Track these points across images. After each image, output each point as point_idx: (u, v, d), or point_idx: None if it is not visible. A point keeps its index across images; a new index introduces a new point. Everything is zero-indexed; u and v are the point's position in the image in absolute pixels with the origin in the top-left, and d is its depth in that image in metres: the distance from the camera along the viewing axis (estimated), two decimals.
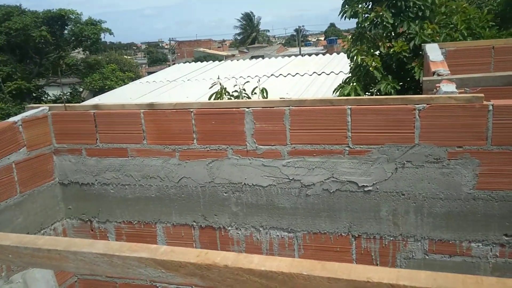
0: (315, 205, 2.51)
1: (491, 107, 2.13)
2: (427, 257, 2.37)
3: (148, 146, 2.74)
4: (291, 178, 2.53)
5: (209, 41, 61.48)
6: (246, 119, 2.54)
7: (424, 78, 2.60)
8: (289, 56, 14.41)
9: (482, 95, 2.14)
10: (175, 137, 2.69)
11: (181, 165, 2.69)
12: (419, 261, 2.37)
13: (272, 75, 10.04)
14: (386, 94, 5.55)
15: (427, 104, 2.22)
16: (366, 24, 5.78)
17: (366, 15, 5.77)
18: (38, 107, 2.87)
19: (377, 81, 5.65)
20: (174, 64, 28.91)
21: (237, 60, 14.22)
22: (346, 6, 6.06)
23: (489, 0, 8.38)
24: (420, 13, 5.66)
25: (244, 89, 5.36)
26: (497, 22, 6.26)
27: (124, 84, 18.32)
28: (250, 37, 60.07)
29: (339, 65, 10.08)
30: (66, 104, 2.85)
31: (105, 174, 2.84)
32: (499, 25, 6.19)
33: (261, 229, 2.62)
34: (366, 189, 2.41)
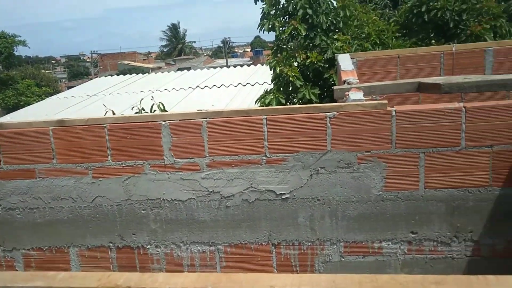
0: (235, 216, 2.51)
1: (394, 113, 2.27)
2: (343, 259, 2.46)
3: (58, 166, 2.58)
4: (210, 191, 2.51)
5: (134, 53, 59.96)
6: (162, 133, 2.49)
7: (335, 87, 2.72)
8: (215, 67, 14.45)
9: (386, 101, 2.28)
10: (88, 154, 2.56)
11: (95, 183, 2.57)
12: (336, 263, 2.45)
13: (197, 87, 10.00)
14: (308, 100, 5.76)
15: (337, 112, 2.31)
16: (283, 37, 5.98)
17: (283, 28, 5.97)
18: None
19: (298, 89, 5.84)
20: (96, 77, 27.79)
21: (162, 73, 14.00)
22: (264, 20, 6.22)
23: (394, 12, 9.04)
24: (332, 27, 5.96)
25: (143, 108, 5.33)
26: (403, 32, 6.75)
27: (41, 100, 17.27)
28: (176, 49, 59.48)
29: (263, 76, 10.27)
30: None
31: (10, 198, 2.64)
32: (404, 35, 6.68)
33: (181, 245, 2.56)
34: (283, 196, 2.46)
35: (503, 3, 8.55)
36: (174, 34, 61.02)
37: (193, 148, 2.48)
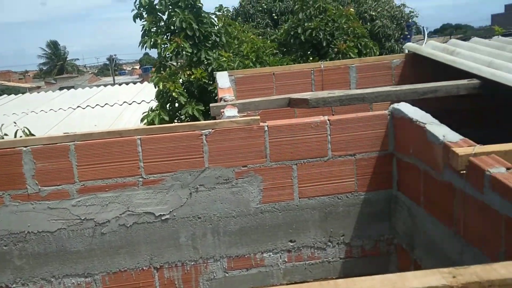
0: (112, 243, 2.37)
1: (266, 128, 2.35)
2: (227, 274, 2.46)
3: None
4: (83, 218, 2.34)
5: (8, 72, 54.58)
6: (24, 160, 2.27)
7: (211, 105, 2.75)
8: (99, 86, 13.77)
9: (258, 117, 2.35)
10: None
11: None
12: (220, 280, 2.44)
13: (78, 106, 9.41)
14: (193, 117, 5.74)
15: (212, 129, 2.33)
16: (166, 54, 5.92)
17: (165, 46, 5.91)
18: None
19: (182, 106, 5.81)
20: None
21: (38, 93, 12.93)
22: (146, 37, 6.10)
23: (274, 31, 9.53)
24: (216, 42, 6.06)
25: (6, 134, 4.89)
26: (283, 50, 7.13)
27: None
28: (57, 67, 55.57)
29: (151, 93, 10.03)
30: None
31: None
32: (283, 52, 7.06)
33: (53, 279, 2.34)
34: (163, 218, 2.39)
35: (368, 24, 9.53)
36: (54, 52, 57.00)
37: (60, 174, 2.30)
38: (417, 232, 2.23)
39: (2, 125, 5.04)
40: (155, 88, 6.11)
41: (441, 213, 1.95)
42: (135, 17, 6.19)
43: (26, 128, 4.94)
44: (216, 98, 5.89)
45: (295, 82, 3.84)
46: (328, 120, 2.37)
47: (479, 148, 1.64)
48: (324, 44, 6.49)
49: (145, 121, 5.78)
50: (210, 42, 6.00)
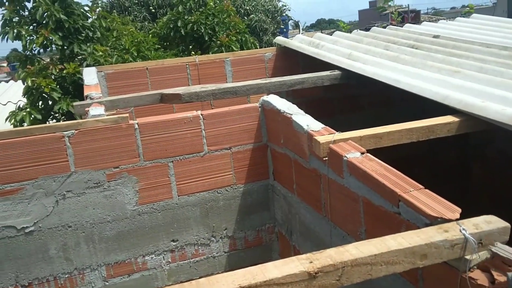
0: None
1: (136, 126, 2.24)
2: (107, 283, 2.32)
3: None
4: None
5: None
6: None
7: (75, 104, 2.55)
8: None
9: (126, 115, 2.23)
10: None
11: None
12: None
13: None
14: (68, 113, 5.31)
15: (76, 130, 2.15)
16: (33, 47, 5.37)
17: (31, 38, 5.35)
18: None
19: (56, 101, 5.33)
20: None
21: None
22: (7, 28, 5.46)
23: (153, 25, 9.25)
24: (90, 35, 5.66)
25: None
26: (163, 44, 6.92)
27: None
28: None
29: (19, 93, 9.06)
30: None
31: None
32: (165, 47, 6.87)
33: None
34: (27, 230, 2.16)
35: (245, 18, 9.73)
36: None
37: None
38: (294, 219, 2.32)
39: None
40: (23, 84, 5.52)
41: (311, 199, 2.06)
42: None
43: None
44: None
45: (171, 77, 3.74)
46: (201, 114, 2.34)
47: (338, 135, 1.75)
48: (206, 38, 6.44)
49: (13, 120, 5.19)
50: (83, 35, 5.57)
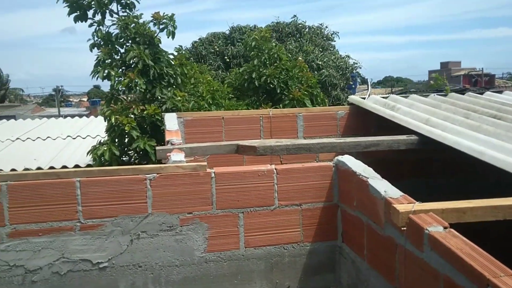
0: None
1: (213, 174, 2.32)
2: None
3: None
4: (12, 264, 2.17)
5: None
6: None
7: (158, 148, 2.70)
8: (42, 117, 13.20)
9: (205, 163, 2.33)
10: None
11: None
12: None
13: (17, 138, 8.92)
14: (144, 151, 5.59)
15: (157, 174, 2.27)
16: (119, 87, 5.81)
17: (119, 79, 5.81)
18: None
19: (134, 140, 5.65)
20: None
21: None
22: (99, 67, 5.98)
23: (226, 74, 9.70)
24: (171, 81, 6.04)
25: None
26: (236, 94, 7.22)
27: None
28: None
29: (97, 128, 9.72)
30: None
31: None
32: (238, 96, 7.16)
33: None
34: (101, 266, 2.26)
35: (316, 73, 9.93)
36: None
37: None
38: (362, 285, 2.24)
39: None
40: (105, 121, 5.94)
41: (383, 268, 1.98)
42: (91, 47, 6.07)
43: None
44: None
45: (244, 128, 3.87)
46: (275, 169, 2.38)
47: (418, 206, 1.70)
48: (278, 91, 6.65)
49: (93, 154, 5.56)
50: (165, 80, 5.96)
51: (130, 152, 6.01)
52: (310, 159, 3.79)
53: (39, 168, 6.77)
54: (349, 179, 2.27)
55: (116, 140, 5.92)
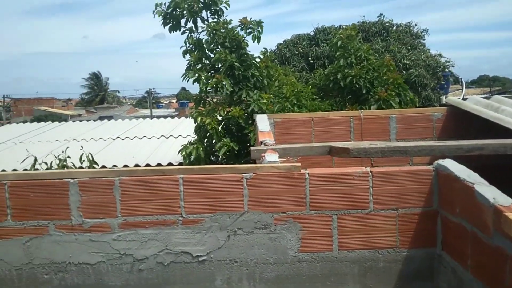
0: (149, 280, 2.38)
1: (307, 175, 2.35)
2: None
3: None
4: (122, 253, 2.37)
5: (52, 99, 57.13)
6: (70, 191, 2.34)
7: (252, 148, 2.78)
8: (138, 118, 14.20)
9: (299, 164, 2.36)
10: None
11: None
12: None
13: (118, 137, 9.70)
14: (227, 153, 5.81)
15: (253, 173, 2.35)
16: (207, 89, 6.10)
17: (208, 81, 6.09)
18: None
19: (217, 141, 5.90)
20: (8, 123, 25.95)
21: (81, 121, 13.44)
22: (190, 71, 6.32)
23: (310, 75, 9.66)
24: (257, 84, 6.20)
25: (68, 156, 5.09)
26: (320, 95, 7.19)
27: None
28: (98, 97, 57.80)
29: (187, 129, 10.24)
30: None
31: None
32: (321, 97, 7.12)
33: None
34: (200, 259, 2.39)
35: (404, 73, 9.52)
36: (96, 82, 59.49)
37: (104, 208, 2.36)
38: None
39: (67, 148, 5.31)
40: (195, 123, 6.26)
41: (490, 280, 1.87)
42: (184, 53, 6.46)
43: (90, 154, 5.18)
44: (249, 139, 5.97)
45: (334, 129, 3.85)
46: (371, 172, 2.35)
47: None
48: (364, 92, 6.50)
49: (183, 152, 5.91)
50: (251, 82, 6.14)
51: (217, 153, 6.27)
52: (402, 162, 3.67)
53: (136, 165, 7.30)
54: (451, 184, 2.16)
55: (205, 140, 6.22)
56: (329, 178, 2.36)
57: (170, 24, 6.58)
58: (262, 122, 3.34)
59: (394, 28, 12.57)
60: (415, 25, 12.70)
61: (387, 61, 6.78)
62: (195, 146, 6.05)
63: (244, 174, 2.34)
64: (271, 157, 2.51)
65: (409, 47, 11.50)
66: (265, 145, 2.79)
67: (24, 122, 14.76)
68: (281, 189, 2.35)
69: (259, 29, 6.39)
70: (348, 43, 6.77)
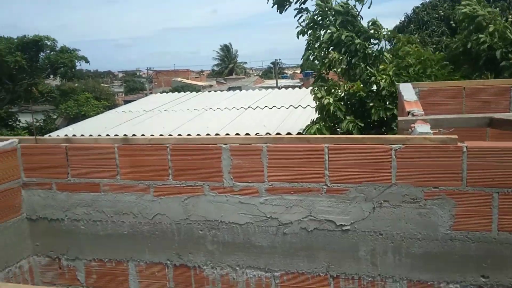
0: (293, 244, 2.46)
1: (465, 149, 2.16)
2: None
3: (122, 182, 2.66)
4: (268, 216, 2.49)
5: (187, 71, 61.84)
6: (223, 156, 2.51)
7: (399, 118, 2.65)
8: (266, 88, 14.61)
9: (455, 136, 2.18)
10: (150, 172, 2.62)
11: (156, 201, 2.62)
12: None
13: (249, 107, 10.11)
14: (348, 132, 5.64)
15: (403, 145, 2.24)
16: (324, 66, 5.99)
17: (324, 60, 5.98)
18: (7, 139, 2.76)
19: (340, 119, 5.76)
20: (151, 93, 28.86)
21: (214, 92, 14.30)
22: (309, 51, 6.29)
23: (451, 39, 8.74)
24: (377, 59, 5.91)
25: None
26: (453, 61, 6.50)
27: (99, 112, 18.08)
28: (227, 69, 60.76)
29: (306, 99, 10.22)
30: (37, 137, 2.76)
31: (76, 209, 2.74)
32: (454, 64, 6.44)
33: (237, 268, 2.54)
34: (344, 228, 2.39)
35: None
36: (226, 54, 62.44)
37: (252, 173, 2.48)
38: None
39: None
40: (314, 101, 6.20)
41: None
42: (298, 34, 6.43)
43: None
44: (371, 113, 5.67)
45: (489, 99, 3.46)
46: None
47: None
48: (499, 58, 5.70)
49: (306, 132, 5.91)
50: (371, 57, 5.87)
51: (338, 131, 6.14)
52: None
53: (267, 134, 7.55)
54: None
55: (326, 119, 6.11)
56: (491, 153, 2.14)
57: (277, 4, 6.57)
58: (407, 91, 3.15)
59: None
60: None
61: None
62: (318, 127, 5.98)
63: (393, 145, 2.25)
64: (423, 128, 2.36)
65: None
66: (413, 115, 2.63)
67: (163, 92, 16.20)
68: (434, 162, 2.21)
69: None
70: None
